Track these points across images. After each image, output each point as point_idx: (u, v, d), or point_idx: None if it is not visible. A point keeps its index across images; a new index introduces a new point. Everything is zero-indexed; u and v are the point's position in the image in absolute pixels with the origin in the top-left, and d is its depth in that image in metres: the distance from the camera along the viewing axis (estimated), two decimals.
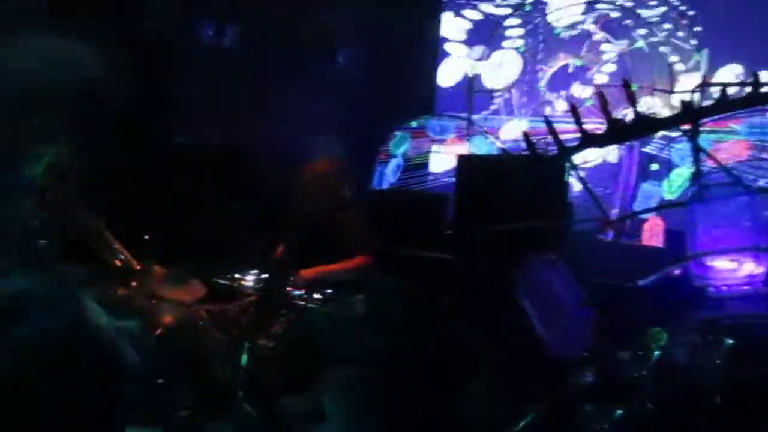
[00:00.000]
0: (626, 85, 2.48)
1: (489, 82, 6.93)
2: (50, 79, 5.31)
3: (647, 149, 6.25)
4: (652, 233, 5.86)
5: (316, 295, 3.67)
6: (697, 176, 2.56)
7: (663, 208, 5.18)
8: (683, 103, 2.21)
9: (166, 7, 6.08)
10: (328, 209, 4.13)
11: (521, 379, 2.84)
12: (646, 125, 2.32)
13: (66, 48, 5.37)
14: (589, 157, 6.03)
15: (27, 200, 4.50)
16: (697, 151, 2.42)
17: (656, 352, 2.43)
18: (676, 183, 5.61)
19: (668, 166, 5.95)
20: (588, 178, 6.65)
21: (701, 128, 2.49)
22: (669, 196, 5.79)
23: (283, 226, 4.39)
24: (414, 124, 6.85)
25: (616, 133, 2.43)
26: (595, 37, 6.60)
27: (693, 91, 2.49)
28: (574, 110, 2.59)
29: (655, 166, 6.12)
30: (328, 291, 3.63)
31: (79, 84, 5.45)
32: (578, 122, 2.57)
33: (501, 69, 6.85)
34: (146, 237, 4.00)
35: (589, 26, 6.63)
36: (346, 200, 4.20)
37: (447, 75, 7.38)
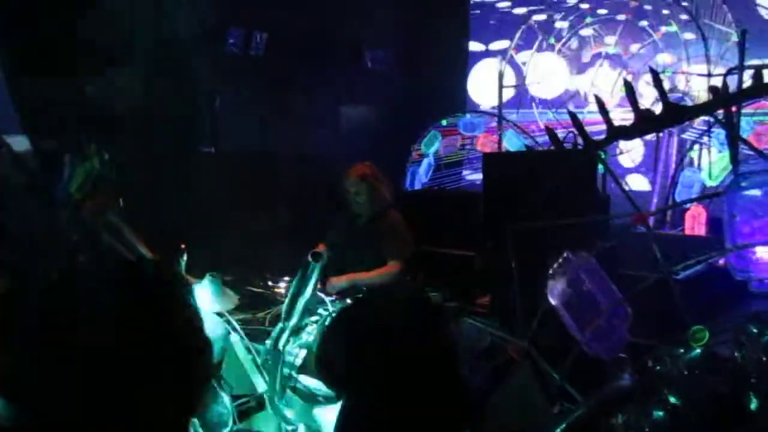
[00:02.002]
0: (654, 72, 2.39)
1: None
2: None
3: (687, 135, 6.07)
4: (695, 222, 5.69)
5: (348, 301, 3.64)
6: (734, 163, 2.44)
7: (700, 199, 5.00)
8: (713, 89, 2.11)
9: (194, 16, 6.14)
10: (373, 212, 4.10)
11: (556, 381, 2.76)
12: (676, 114, 2.22)
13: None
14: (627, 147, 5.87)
15: (66, 215, 4.59)
16: (733, 137, 2.31)
17: (697, 351, 2.33)
18: (718, 169, 5.42)
19: (709, 153, 5.75)
20: (627, 167, 6.52)
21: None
22: (711, 184, 5.60)
23: (321, 230, 4.38)
24: (444, 122, 6.78)
25: (645, 124, 2.34)
26: (628, 23, 6.44)
27: (726, 75, 2.38)
28: (599, 103, 2.51)
29: (694, 153, 5.94)
30: (359, 296, 3.59)
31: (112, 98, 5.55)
32: (605, 115, 2.49)
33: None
34: (182, 246, 4.01)
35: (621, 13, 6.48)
36: (388, 202, 4.18)
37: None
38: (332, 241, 4.17)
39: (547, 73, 6.50)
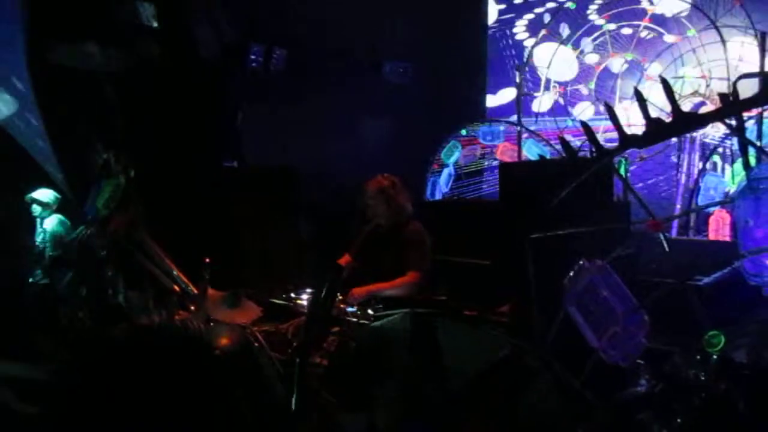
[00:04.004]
0: (663, 81, 2.41)
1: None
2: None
3: (709, 140, 6.02)
4: (720, 227, 5.64)
5: (369, 312, 3.68)
6: (746, 169, 2.45)
7: (712, 205, 4.96)
8: (721, 96, 2.12)
9: (216, 35, 6.27)
10: (395, 223, 4.15)
11: (576, 388, 2.77)
12: (687, 122, 2.24)
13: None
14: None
15: (93, 230, 4.71)
16: (743, 143, 2.32)
17: (714, 356, 2.33)
18: (741, 174, 5.37)
19: (732, 157, 5.70)
20: (649, 173, 6.48)
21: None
22: (733, 188, 5.55)
23: (344, 242, 4.43)
24: (464, 132, 6.82)
25: (656, 131, 2.36)
26: (645, 32, 6.43)
27: (737, 81, 2.39)
28: (610, 111, 2.54)
29: (717, 158, 5.89)
30: (380, 306, 3.64)
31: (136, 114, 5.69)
32: (616, 122, 2.51)
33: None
34: (207, 260, 4.08)
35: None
36: (409, 214, 4.23)
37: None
38: (356, 252, 4.22)
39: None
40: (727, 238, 5.46)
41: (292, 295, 4.12)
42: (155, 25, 5.72)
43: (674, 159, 6.09)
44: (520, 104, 6.46)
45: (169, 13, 5.71)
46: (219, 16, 6.16)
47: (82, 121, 5.40)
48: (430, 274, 4.11)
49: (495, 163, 6.78)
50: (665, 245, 2.51)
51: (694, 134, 5.96)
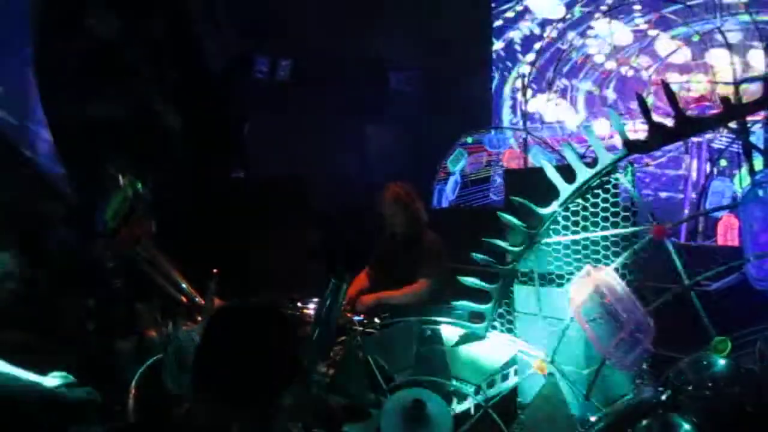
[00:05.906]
0: (665, 84, 2.40)
1: None
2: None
3: (716, 144, 5.99)
4: (728, 232, 5.60)
5: (376, 320, 3.67)
6: (750, 173, 2.44)
7: (717, 209, 4.93)
8: (723, 99, 2.12)
9: (223, 47, 6.31)
10: (412, 232, 4.14)
11: (582, 394, 2.76)
12: (690, 126, 2.23)
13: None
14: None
15: (101, 243, 4.73)
16: (747, 147, 2.31)
17: (721, 362, 2.32)
18: (747, 178, 5.33)
19: (739, 161, 5.67)
20: (658, 178, 6.46)
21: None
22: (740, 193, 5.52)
23: (355, 250, 4.43)
24: (470, 139, 6.82)
25: (659, 136, 2.35)
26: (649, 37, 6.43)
27: (738, 84, 2.38)
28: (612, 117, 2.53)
29: (724, 162, 5.86)
30: (386, 315, 3.63)
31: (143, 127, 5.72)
32: (619, 128, 2.51)
33: None
34: (214, 271, 4.09)
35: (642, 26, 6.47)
36: (425, 221, 4.22)
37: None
38: (376, 261, 4.22)
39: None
40: (736, 243, 5.43)
41: (299, 304, 4.13)
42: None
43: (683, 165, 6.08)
44: (526, 111, 6.46)
45: (176, 25, 5.75)
46: (225, 28, 6.20)
47: (91, 135, 5.44)
48: (443, 282, 4.07)
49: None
50: (672, 250, 2.49)
51: (701, 138, 5.94)
